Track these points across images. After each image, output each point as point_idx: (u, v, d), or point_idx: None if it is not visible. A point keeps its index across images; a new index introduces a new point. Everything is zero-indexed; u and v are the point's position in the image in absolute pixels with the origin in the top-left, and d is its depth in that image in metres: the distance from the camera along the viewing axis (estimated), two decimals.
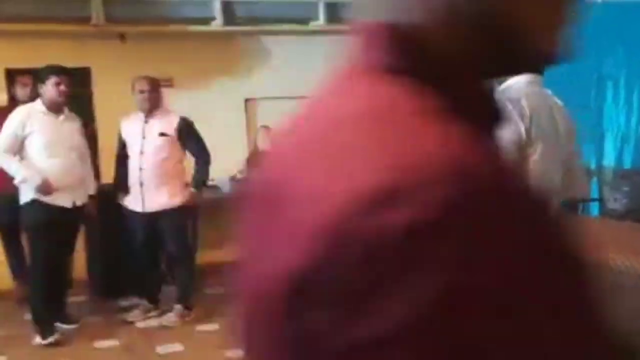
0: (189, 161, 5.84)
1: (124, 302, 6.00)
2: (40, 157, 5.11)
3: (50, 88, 5.11)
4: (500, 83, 3.19)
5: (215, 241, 6.56)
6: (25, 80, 5.83)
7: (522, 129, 3.10)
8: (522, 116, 3.13)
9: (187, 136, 5.44)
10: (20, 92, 5.93)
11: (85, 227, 6.03)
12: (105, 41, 6.78)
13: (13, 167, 5.06)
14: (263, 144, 6.94)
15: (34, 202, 5.12)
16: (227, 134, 7.19)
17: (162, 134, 5.39)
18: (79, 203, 5.31)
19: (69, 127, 5.28)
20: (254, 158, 7.18)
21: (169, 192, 5.42)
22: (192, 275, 5.77)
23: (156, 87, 5.45)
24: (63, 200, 5.18)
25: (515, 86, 3.19)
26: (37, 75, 5.27)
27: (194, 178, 5.51)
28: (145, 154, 5.39)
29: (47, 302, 5.25)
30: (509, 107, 3.05)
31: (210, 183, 6.60)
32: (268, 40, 7.57)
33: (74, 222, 5.42)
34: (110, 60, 6.83)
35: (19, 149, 5.08)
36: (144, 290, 5.78)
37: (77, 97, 6.27)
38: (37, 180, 5.01)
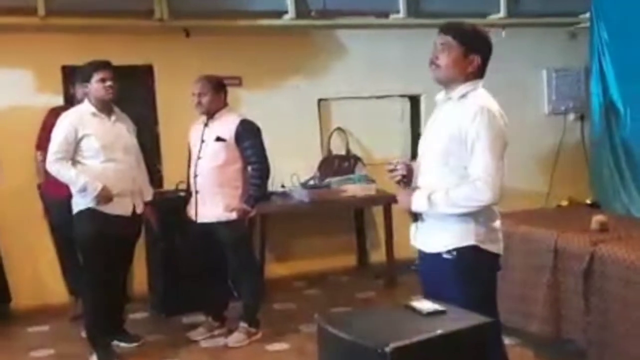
0: None
1: (187, 320, 5.86)
2: (94, 162, 4.93)
3: (95, 86, 4.95)
4: None
5: (284, 253, 6.99)
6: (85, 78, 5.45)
7: None
8: None
9: (242, 140, 5.20)
10: (80, 91, 5.55)
11: (146, 238, 5.90)
12: (169, 37, 6.56)
13: (71, 175, 4.86)
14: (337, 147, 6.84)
15: (88, 211, 4.92)
16: (298, 137, 7.06)
17: (218, 139, 5.19)
18: (139, 211, 5.14)
19: (122, 128, 5.10)
20: (328, 163, 7.08)
21: (224, 202, 5.19)
22: (258, 290, 5.58)
23: (214, 87, 5.21)
24: (121, 207, 4.99)
25: None
26: (80, 75, 5.16)
27: (247, 191, 5.24)
28: (202, 159, 5.22)
29: (103, 319, 5.07)
30: None
31: (280, 190, 6.59)
32: (344, 35, 7.31)
33: (132, 232, 5.22)
34: (174, 57, 6.63)
35: (72, 155, 4.91)
36: (209, 306, 5.58)
37: (138, 97, 6.31)
38: (98, 188, 4.83)
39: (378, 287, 6.68)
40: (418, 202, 3.26)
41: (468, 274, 3.24)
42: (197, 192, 5.24)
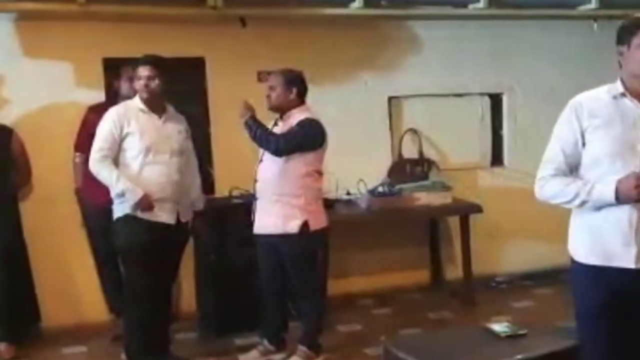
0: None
1: (240, 341, 5.74)
2: (135, 163, 4.85)
3: (136, 82, 4.95)
4: None
5: (349, 268, 6.82)
6: (130, 73, 5.46)
7: None
8: None
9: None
10: (125, 86, 5.62)
11: (195, 250, 5.84)
12: (223, 26, 6.35)
13: (112, 178, 4.77)
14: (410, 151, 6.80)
15: (127, 218, 4.81)
16: (366, 138, 6.91)
17: None
18: (183, 219, 5.02)
19: (173, 128, 5.01)
20: (399, 167, 6.96)
21: (283, 212, 4.99)
22: (321, 310, 5.37)
23: (285, 82, 5.06)
24: (164, 215, 4.88)
25: None
26: (125, 69, 5.24)
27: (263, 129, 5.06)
28: (263, 162, 5.08)
29: (146, 339, 4.95)
30: None
31: (345, 197, 6.54)
32: (417, 27, 7.09)
33: (177, 243, 5.08)
34: (228, 49, 6.44)
35: (116, 153, 4.85)
36: (265, 327, 5.42)
37: (188, 93, 6.18)
38: (138, 195, 4.73)
39: (453, 306, 6.52)
40: None
41: None
42: (256, 199, 5.13)
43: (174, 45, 6.02)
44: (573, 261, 3.22)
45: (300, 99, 5.10)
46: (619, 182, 2.97)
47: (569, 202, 3.15)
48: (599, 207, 3.07)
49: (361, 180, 6.50)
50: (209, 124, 6.50)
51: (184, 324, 5.94)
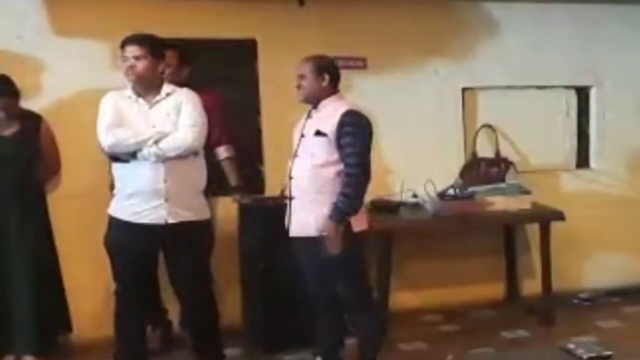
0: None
1: (290, 358, 5.63)
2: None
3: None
4: None
5: (414, 279, 6.71)
6: (168, 57, 5.30)
7: None
8: None
9: (342, 135, 4.77)
10: (169, 71, 5.37)
11: (241, 257, 5.82)
12: (278, 5, 6.22)
13: (129, 134, 4.62)
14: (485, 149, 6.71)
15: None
16: (436, 134, 6.75)
17: (318, 133, 4.81)
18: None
19: (160, 112, 4.78)
20: (472, 168, 6.82)
21: (320, 214, 4.72)
22: (377, 325, 5.16)
23: (316, 69, 4.87)
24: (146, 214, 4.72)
25: None
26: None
27: (334, 203, 4.80)
28: (299, 157, 4.92)
29: None
30: None
31: (411, 200, 6.35)
32: (496, 9, 6.90)
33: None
34: (283, 31, 6.29)
35: None
36: (319, 343, 5.20)
37: (237, 79, 6.12)
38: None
39: (530, 324, 6.28)
40: None
41: None
42: (291, 198, 4.96)
43: (223, 25, 5.97)
44: None
45: (334, 87, 4.95)
46: None
47: None
48: None
49: (429, 181, 6.24)
50: (260, 114, 6.37)
51: (228, 339, 5.63)
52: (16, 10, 5.68)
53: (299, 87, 4.90)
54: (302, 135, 4.93)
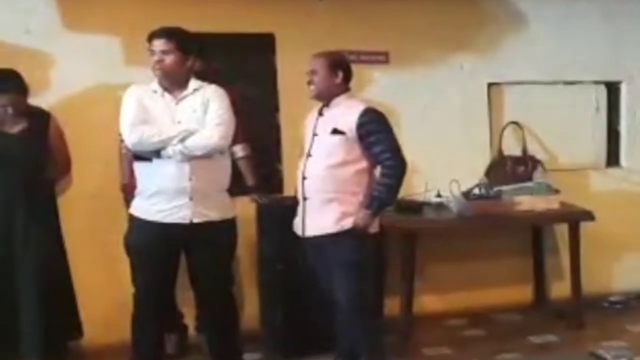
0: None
1: None
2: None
3: None
4: None
5: (438, 282, 6.66)
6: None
7: None
8: None
9: (367, 134, 4.77)
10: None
11: (260, 259, 5.80)
12: None
13: (154, 132, 4.57)
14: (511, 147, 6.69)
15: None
16: (461, 132, 6.71)
17: (335, 131, 4.80)
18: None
19: (187, 108, 4.75)
20: (498, 166, 6.80)
21: (340, 211, 4.75)
22: (371, 332, 5.10)
23: (328, 66, 4.90)
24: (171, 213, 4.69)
25: None
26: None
27: (370, 194, 4.83)
28: (312, 157, 4.91)
29: None
30: None
31: (435, 200, 6.35)
32: (522, 2, 6.89)
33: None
34: (302, 25, 6.25)
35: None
36: (341, 347, 5.18)
37: (254, 75, 6.13)
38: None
39: (559, 329, 6.23)
40: None
41: None
42: (305, 198, 4.94)
43: (241, 18, 5.94)
44: None
45: (346, 85, 4.95)
46: None
47: None
48: None
49: (454, 180, 6.22)
50: (278, 111, 6.33)
51: (248, 344, 5.59)
52: (25, 3, 5.62)
53: (310, 82, 4.89)
54: (315, 134, 4.90)
